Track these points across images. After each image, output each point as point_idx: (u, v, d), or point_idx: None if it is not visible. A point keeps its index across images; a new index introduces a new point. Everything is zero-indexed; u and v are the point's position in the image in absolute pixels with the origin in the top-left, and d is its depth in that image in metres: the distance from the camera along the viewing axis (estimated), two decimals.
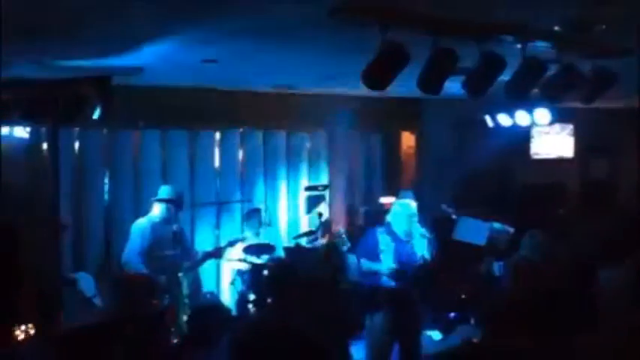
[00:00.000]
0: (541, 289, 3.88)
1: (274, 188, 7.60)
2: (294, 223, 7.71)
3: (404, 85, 3.91)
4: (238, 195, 7.27)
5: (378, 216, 5.24)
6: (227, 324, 3.69)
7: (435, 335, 6.49)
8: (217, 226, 7.09)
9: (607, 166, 9.80)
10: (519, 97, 4.15)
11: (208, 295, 6.54)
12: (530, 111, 7.38)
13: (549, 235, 5.04)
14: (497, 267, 6.30)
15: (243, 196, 7.28)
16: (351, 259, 6.23)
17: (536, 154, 9.52)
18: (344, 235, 7.20)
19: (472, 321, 6.83)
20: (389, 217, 4.98)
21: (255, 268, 6.15)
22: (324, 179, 7.93)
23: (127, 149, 6.62)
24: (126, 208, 6.51)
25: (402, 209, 4.95)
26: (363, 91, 3.88)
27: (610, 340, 3.10)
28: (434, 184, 8.26)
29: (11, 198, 5.66)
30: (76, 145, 6.36)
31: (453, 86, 3.92)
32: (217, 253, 6.18)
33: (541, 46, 3.86)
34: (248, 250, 6.30)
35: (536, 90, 4.23)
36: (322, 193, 7.60)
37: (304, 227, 7.64)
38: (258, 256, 6.28)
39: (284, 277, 3.27)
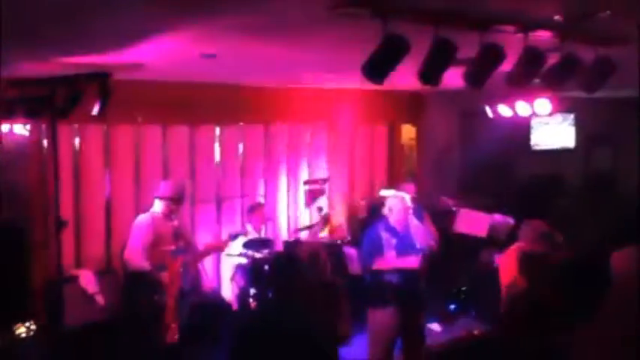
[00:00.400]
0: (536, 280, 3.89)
1: (274, 182, 7.59)
2: (294, 217, 7.71)
3: (404, 78, 3.89)
4: (238, 189, 7.26)
5: (378, 209, 5.22)
6: (227, 319, 3.68)
7: (435, 327, 6.50)
8: (218, 220, 7.09)
9: (609, 156, 9.78)
10: (520, 87, 4.12)
11: (209, 291, 6.54)
12: (530, 102, 7.35)
13: (547, 223, 5.02)
14: (497, 258, 6.29)
15: (243, 190, 7.27)
16: (352, 252, 6.23)
17: (537, 144, 9.50)
18: (344, 229, 7.21)
19: (472, 313, 6.84)
20: (385, 211, 4.98)
21: (256, 263, 6.15)
22: (324, 173, 7.92)
23: (126, 144, 6.60)
24: (126, 203, 6.50)
25: (396, 202, 4.95)
26: (363, 84, 3.85)
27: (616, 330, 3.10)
28: (435, 176, 8.25)
29: (11, 195, 5.66)
30: (76, 140, 6.34)
31: (453, 78, 3.90)
32: (219, 247, 6.17)
33: (542, 36, 3.83)
34: (248, 244, 6.29)
35: (537, 80, 4.20)
36: (322, 186, 7.59)
37: (305, 221, 7.64)
38: (258, 251, 6.27)
39: (285, 269, 3.26)
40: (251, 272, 6.18)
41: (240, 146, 7.35)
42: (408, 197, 5.09)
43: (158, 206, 5.48)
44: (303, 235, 7.33)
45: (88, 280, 5.86)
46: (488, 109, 7.86)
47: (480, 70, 3.84)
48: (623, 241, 3.69)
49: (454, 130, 8.71)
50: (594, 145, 9.80)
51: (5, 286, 5.15)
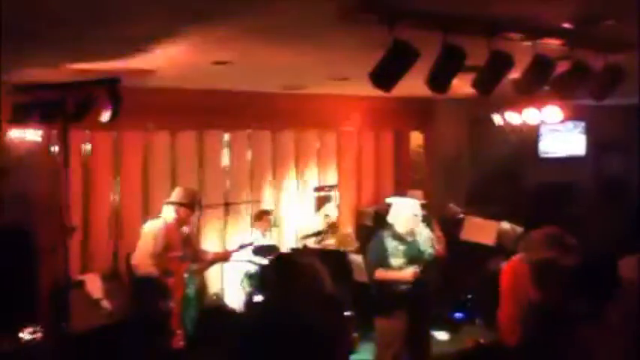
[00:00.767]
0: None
1: (282, 189, 7.59)
2: (302, 223, 7.70)
3: (412, 85, 3.88)
4: (246, 196, 7.27)
5: (385, 216, 5.20)
6: (232, 325, 3.67)
7: (442, 335, 6.46)
8: (225, 226, 7.09)
9: (620, 164, 9.70)
10: (529, 94, 4.11)
11: (214, 297, 6.54)
12: (540, 109, 7.31)
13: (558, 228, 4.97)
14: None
15: (251, 196, 7.28)
16: (359, 259, 6.21)
17: (546, 152, 9.44)
18: (352, 236, 7.19)
19: (479, 321, 6.78)
20: (390, 219, 4.96)
21: (262, 269, 6.13)
22: (332, 180, 7.91)
23: (136, 150, 6.63)
24: (135, 209, 6.51)
25: (402, 209, 4.93)
26: (372, 91, 3.84)
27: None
28: (442, 184, 8.22)
29: (21, 199, 5.69)
30: (86, 146, 6.38)
31: (462, 84, 3.89)
32: (226, 257, 6.17)
33: (551, 43, 3.81)
34: (255, 251, 6.29)
35: (546, 87, 4.18)
36: (330, 193, 7.58)
37: (312, 228, 7.63)
38: (266, 257, 6.26)
39: (283, 270, 3.27)
40: (257, 279, 6.17)
41: (249, 153, 7.36)
42: (416, 203, 5.07)
43: (168, 212, 5.48)
44: (311, 242, 7.31)
45: (94, 285, 5.87)
46: (496, 117, 7.84)
47: (489, 77, 3.83)
48: (633, 248, 3.67)
49: (462, 137, 8.68)
50: (605, 153, 9.73)
51: (12, 290, 5.17)
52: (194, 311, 5.34)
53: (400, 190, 7.67)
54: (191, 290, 5.40)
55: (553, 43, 3.83)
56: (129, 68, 4.77)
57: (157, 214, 5.65)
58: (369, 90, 4.32)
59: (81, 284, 5.80)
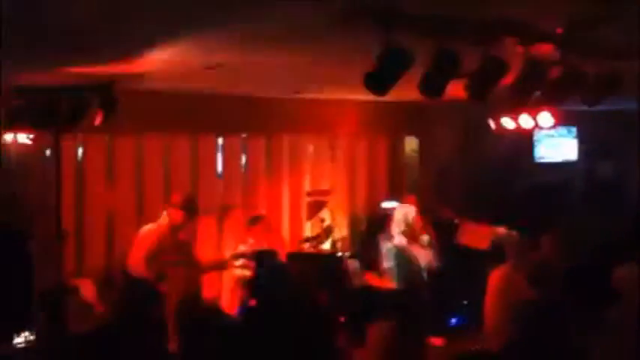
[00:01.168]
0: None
1: (277, 194, 7.58)
2: (296, 228, 7.69)
3: (407, 89, 3.89)
4: (240, 200, 7.25)
5: (380, 221, 5.21)
6: (227, 331, 3.67)
7: (437, 341, 6.44)
8: (219, 232, 7.07)
9: (612, 169, 9.75)
10: (522, 100, 4.13)
11: (209, 303, 6.51)
12: (534, 114, 7.34)
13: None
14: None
15: (245, 201, 7.26)
16: (354, 264, 6.22)
17: (541, 157, 9.48)
18: (347, 241, 7.18)
19: (475, 327, 6.77)
20: (391, 224, 4.96)
21: (257, 275, 6.12)
22: (326, 184, 7.91)
23: (129, 154, 6.61)
24: (128, 213, 6.49)
25: (401, 216, 4.94)
26: (366, 95, 3.86)
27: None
28: (437, 189, 8.23)
29: (13, 204, 5.66)
30: (79, 151, 6.35)
31: (457, 89, 3.90)
32: (222, 266, 6.16)
33: (544, 48, 3.83)
34: (250, 257, 6.27)
35: (539, 93, 4.21)
36: (324, 198, 7.58)
37: (307, 233, 7.62)
38: (260, 263, 6.25)
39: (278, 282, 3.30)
40: (252, 284, 6.15)
41: (243, 157, 7.35)
42: (412, 210, 5.06)
43: (165, 217, 5.48)
44: (305, 247, 7.30)
45: (88, 290, 5.84)
46: (491, 122, 7.86)
47: (483, 82, 3.85)
48: (626, 253, 3.69)
49: (457, 142, 8.70)
50: (597, 158, 9.78)
51: (6, 295, 5.14)
52: (188, 316, 5.31)
53: (394, 195, 7.68)
54: (187, 296, 5.38)
55: (546, 49, 3.85)
56: (123, 72, 4.77)
57: (151, 219, 5.64)
58: (363, 95, 4.34)
59: (75, 289, 5.78)
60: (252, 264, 6.24)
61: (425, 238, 4.96)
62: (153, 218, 5.67)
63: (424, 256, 4.88)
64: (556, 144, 9.54)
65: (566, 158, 9.58)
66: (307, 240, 7.34)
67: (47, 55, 4.10)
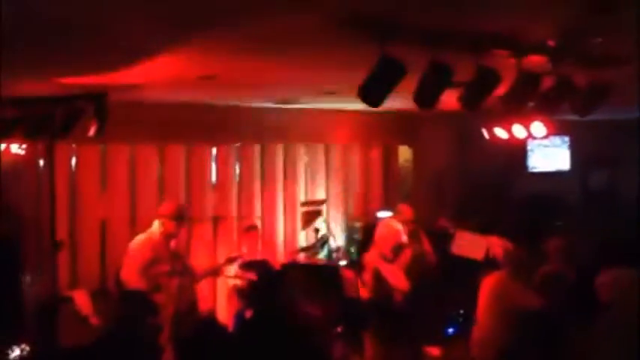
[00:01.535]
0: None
1: (271, 203, 7.58)
2: (291, 238, 7.68)
3: (401, 99, 3.91)
4: (234, 210, 7.25)
5: (375, 231, 5.20)
6: (223, 341, 3.66)
7: (434, 351, 6.43)
8: (214, 241, 7.06)
9: (606, 178, 9.81)
10: (515, 110, 4.15)
11: (204, 313, 6.48)
12: (526, 124, 7.38)
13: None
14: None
15: (239, 211, 7.26)
16: (349, 274, 6.20)
17: (535, 167, 9.53)
18: (341, 251, 7.17)
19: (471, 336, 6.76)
20: (375, 236, 4.94)
21: (252, 285, 6.11)
22: (321, 194, 7.91)
23: (123, 164, 6.60)
24: (122, 223, 6.47)
25: (386, 228, 4.91)
26: (360, 105, 3.87)
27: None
28: (431, 198, 8.25)
29: (6, 214, 5.64)
30: (73, 160, 6.34)
31: (450, 99, 3.92)
32: (215, 272, 6.14)
33: (536, 60, 3.87)
34: (245, 266, 6.26)
35: (531, 103, 4.23)
36: (319, 207, 7.58)
37: (301, 242, 7.61)
38: (255, 273, 6.24)
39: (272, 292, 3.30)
40: (246, 294, 6.14)
41: (237, 167, 7.35)
42: (397, 224, 5.00)
43: (157, 227, 5.45)
44: (300, 257, 7.29)
45: (82, 301, 5.80)
46: (484, 131, 7.89)
47: (476, 93, 3.87)
48: (619, 263, 3.72)
49: (451, 151, 8.73)
50: (589, 168, 9.84)
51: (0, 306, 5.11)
52: (185, 327, 5.29)
53: (389, 205, 7.69)
54: (181, 306, 5.36)
55: (538, 60, 3.88)
56: (116, 82, 4.77)
57: (145, 229, 5.62)
58: (357, 105, 4.36)
59: (69, 300, 5.74)
60: (247, 274, 6.23)
61: (407, 255, 4.88)
62: (146, 228, 5.65)
63: (398, 278, 4.79)
64: (549, 154, 9.60)
65: (559, 168, 9.63)
66: (302, 250, 7.34)
67: (41, 65, 4.11)
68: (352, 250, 7.69)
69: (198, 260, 6.65)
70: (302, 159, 7.86)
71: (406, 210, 6.27)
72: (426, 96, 3.76)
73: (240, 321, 6.14)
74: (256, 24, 3.20)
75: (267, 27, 3.25)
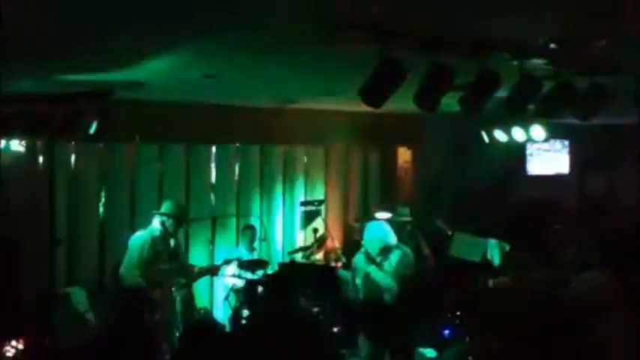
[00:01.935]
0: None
1: (270, 203, 7.58)
2: (289, 238, 7.69)
3: (401, 102, 3.92)
4: (234, 209, 7.25)
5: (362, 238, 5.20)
6: (219, 340, 3.66)
7: (429, 352, 6.44)
8: (212, 241, 7.06)
9: (604, 183, 9.82)
10: (516, 113, 4.16)
11: (202, 311, 6.49)
12: (526, 128, 7.39)
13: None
14: (492, 284, 6.26)
15: (238, 210, 7.26)
16: (347, 275, 6.21)
17: (534, 170, 9.54)
18: (340, 251, 7.17)
19: (467, 338, 6.78)
20: (363, 239, 4.95)
21: (250, 284, 6.11)
22: (320, 194, 7.92)
23: (122, 163, 6.60)
24: (121, 222, 6.47)
25: (373, 231, 4.92)
26: (360, 106, 3.88)
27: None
28: (430, 200, 8.26)
29: (5, 211, 5.63)
30: (72, 158, 6.34)
31: (451, 102, 3.93)
32: (213, 271, 6.15)
33: (537, 63, 3.88)
34: (242, 265, 6.26)
35: (532, 106, 4.24)
36: (318, 208, 7.58)
37: (300, 243, 7.62)
38: (253, 272, 6.24)
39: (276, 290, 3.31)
40: (244, 293, 6.14)
41: (237, 167, 7.36)
42: (385, 228, 5.01)
43: (156, 225, 5.47)
44: (298, 257, 7.30)
45: (79, 299, 5.81)
46: (484, 134, 7.91)
47: (477, 95, 3.88)
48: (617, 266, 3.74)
49: (450, 153, 8.74)
50: (589, 172, 9.85)
51: None
52: (180, 325, 5.30)
53: (388, 206, 7.69)
54: (178, 304, 5.37)
55: (539, 63, 3.89)
56: (117, 81, 4.77)
57: (144, 227, 5.62)
58: (357, 106, 4.36)
59: (67, 297, 5.74)
60: (245, 274, 6.23)
61: (394, 258, 4.88)
62: (146, 227, 5.66)
63: (386, 280, 4.81)
64: (548, 157, 9.61)
65: (558, 171, 9.64)
66: (300, 250, 7.34)
67: (42, 63, 4.10)
68: (350, 250, 7.69)
69: (197, 260, 6.65)
70: (301, 159, 7.86)
71: (404, 212, 6.29)
72: (428, 98, 3.77)
73: (237, 320, 6.14)
74: (259, 26, 3.20)
75: (269, 29, 3.26)
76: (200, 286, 6.60)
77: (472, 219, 7.69)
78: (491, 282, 5.49)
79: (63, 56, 3.86)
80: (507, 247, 6.70)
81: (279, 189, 7.65)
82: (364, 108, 3.87)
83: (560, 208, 9.29)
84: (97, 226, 6.44)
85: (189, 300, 5.87)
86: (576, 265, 4.87)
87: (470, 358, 5.12)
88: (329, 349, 4.40)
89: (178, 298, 5.55)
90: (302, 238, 7.68)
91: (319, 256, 7.40)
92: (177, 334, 5.23)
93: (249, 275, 6.22)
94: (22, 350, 5.04)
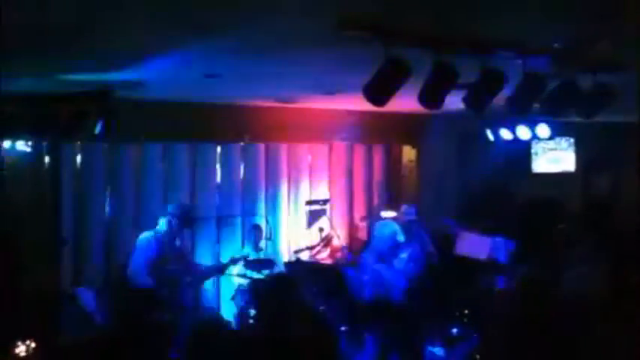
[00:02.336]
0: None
1: (275, 202, 7.59)
2: (295, 237, 7.70)
3: (406, 100, 3.92)
4: (239, 209, 7.26)
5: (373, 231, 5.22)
6: (226, 339, 3.68)
7: (438, 350, 6.44)
8: (217, 240, 7.08)
9: (609, 181, 9.78)
10: (520, 112, 4.16)
11: (209, 310, 6.51)
12: (531, 126, 7.38)
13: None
14: (499, 281, 6.26)
15: (243, 210, 7.27)
16: (352, 273, 6.22)
17: (539, 169, 9.51)
18: (346, 250, 7.18)
19: (475, 336, 6.77)
20: (372, 237, 4.98)
21: (256, 284, 6.13)
22: (325, 193, 7.92)
23: (128, 163, 6.63)
24: (127, 222, 6.50)
25: (383, 229, 4.94)
26: (364, 105, 3.89)
27: None
28: (435, 198, 8.25)
29: (12, 211, 5.66)
30: (78, 158, 6.36)
31: (455, 101, 3.93)
32: (220, 271, 6.16)
33: (541, 61, 3.87)
34: (248, 265, 6.28)
35: (537, 105, 4.24)
36: (323, 207, 7.59)
37: (305, 242, 7.62)
38: (259, 271, 6.26)
39: (278, 290, 3.33)
40: (251, 293, 6.16)
41: (242, 166, 7.37)
42: (395, 226, 5.03)
43: (163, 225, 5.50)
44: (304, 256, 7.31)
45: (86, 298, 5.83)
46: (489, 132, 7.90)
47: (481, 94, 3.88)
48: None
49: (454, 152, 8.73)
50: (594, 170, 9.81)
51: (2, 303, 5.13)
52: (189, 324, 5.31)
53: (393, 205, 7.70)
54: (185, 303, 5.39)
55: (543, 62, 3.89)
56: (122, 81, 4.79)
57: (150, 227, 5.64)
58: (361, 104, 4.36)
59: (73, 297, 5.77)
60: (251, 272, 6.25)
61: (403, 256, 4.91)
62: (152, 226, 5.68)
63: (395, 277, 4.84)
64: (554, 155, 9.57)
65: (564, 170, 9.61)
66: (306, 249, 7.35)
67: (45, 62, 4.12)
68: (355, 249, 7.70)
69: (203, 259, 6.67)
70: (306, 158, 7.87)
71: (410, 210, 6.28)
72: (431, 97, 3.77)
73: (244, 320, 6.16)
74: (262, 25, 3.21)
75: (273, 29, 3.27)
76: (207, 286, 6.62)
77: (477, 217, 7.69)
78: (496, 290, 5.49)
79: (65, 55, 3.87)
80: (512, 245, 6.70)
81: (284, 188, 7.66)
82: (368, 106, 3.88)
83: (565, 207, 9.27)
84: (103, 226, 6.46)
85: (196, 300, 5.89)
86: (577, 263, 4.87)
87: (477, 356, 5.13)
88: (335, 348, 4.40)
89: (185, 297, 5.57)
90: (308, 237, 7.69)
91: (325, 255, 7.41)
92: (185, 334, 5.24)
93: (255, 275, 6.23)
94: (31, 349, 5.07)
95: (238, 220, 7.22)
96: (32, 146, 5.82)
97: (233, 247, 7.03)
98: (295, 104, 6.98)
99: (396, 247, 4.86)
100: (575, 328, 3.66)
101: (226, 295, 6.82)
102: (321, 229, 7.44)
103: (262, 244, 6.89)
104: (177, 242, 5.60)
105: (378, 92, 3.67)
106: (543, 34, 3.50)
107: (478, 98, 3.88)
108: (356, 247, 7.74)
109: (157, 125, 6.35)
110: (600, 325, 3.51)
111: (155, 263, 5.31)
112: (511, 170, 8.84)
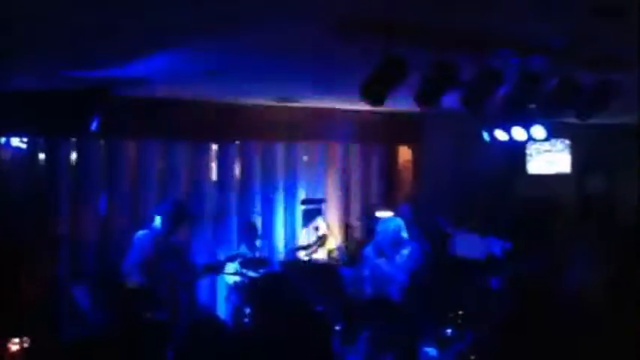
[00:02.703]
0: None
1: (271, 201, 7.59)
2: (291, 236, 7.69)
3: (402, 99, 3.93)
4: (235, 207, 7.26)
5: (374, 230, 5.23)
6: (222, 337, 3.68)
7: (431, 351, 6.45)
8: (214, 238, 7.07)
9: (604, 183, 9.82)
10: (516, 112, 4.17)
11: (204, 309, 6.50)
12: (527, 127, 7.39)
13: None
14: (494, 282, 6.27)
15: (240, 208, 7.27)
16: (348, 273, 6.23)
17: (534, 170, 9.54)
18: (342, 250, 7.18)
19: (469, 337, 6.78)
20: (375, 232, 5.00)
21: (251, 282, 6.12)
22: (321, 193, 7.92)
23: (124, 160, 6.61)
24: (123, 220, 6.48)
25: (387, 224, 4.96)
26: (361, 104, 3.89)
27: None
28: (431, 199, 8.26)
29: (7, 208, 5.65)
30: (74, 155, 6.34)
31: (452, 100, 3.94)
32: (216, 269, 6.16)
33: (539, 60, 3.88)
34: (244, 263, 6.27)
35: (534, 106, 4.25)
36: (319, 206, 7.59)
37: (301, 241, 7.63)
38: (255, 270, 6.25)
39: (274, 289, 3.34)
40: (246, 291, 6.15)
41: (238, 164, 7.36)
42: (399, 221, 5.07)
43: (159, 222, 5.50)
44: (300, 255, 7.31)
45: (81, 296, 5.82)
46: (485, 133, 7.90)
47: (478, 93, 3.89)
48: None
49: (451, 152, 8.74)
50: (589, 171, 9.84)
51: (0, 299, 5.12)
52: (183, 322, 5.31)
53: (389, 205, 7.70)
54: (181, 301, 5.38)
55: (541, 61, 3.90)
56: (119, 78, 4.78)
57: (146, 224, 5.63)
58: (358, 103, 4.37)
59: (69, 295, 5.75)
60: (247, 271, 6.24)
61: (405, 252, 4.94)
62: (148, 224, 5.67)
63: (396, 272, 4.86)
64: (550, 157, 9.61)
65: (559, 171, 9.64)
66: (302, 248, 7.35)
67: (43, 59, 4.11)
68: (351, 248, 7.70)
69: (198, 258, 6.66)
70: (303, 157, 7.87)
71: (406, 210, 6.29)
72: (428, 96, 3.78)
73: (239, 319, 6.15)
74: (261, 24, 3.21)
75: (271, 27, 3.27)
76: (202, 284, 6.61)
77: (473, 218, 7.71)
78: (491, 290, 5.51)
79: (62, 52, 3.87)
80: (508, 245, 6.72)
81: (280, 187, 7.65)
82: (365, 106, 3.88)
83: (561, 207, 9.30)
84: (99, 223, 6.45)
85: (191, 298, 5.88)
86: (573, 263, 4.89)
87: (472, 357, 5.14)
88: (331, 347, 4.41)
89: (181, 296, 5.55)
90: (303, 236, 7.69)
91: (321, 254, 7.41)
92: (180, 332, 5.24)
93: (251, 273, 6.22)
94: (26, 345, 5.06)
95: (234, 219, 7.21)
96: (27, 143, 5.81)
97: (229, 245, 7.02)
98: (292, 103, 6.98)
99: (398, 243, 4.90)
100: (570, 328, 3.67)
101: (222, 293, 6.81)
102: (316, 229, 7.44)
103: (258, 242, 6.89)
104: (174, 240, 5.58)
105: (375, 91, 3.67)
106: (542, 32, 3.51)
107: (475, 98, 3.89)
108: (351, 247, 7.74)
109: (154, 123, 6.34)
110: (596, 325, 3.52)
111: (151, 261, 5.30)
112: (508, 170, 8.87)
